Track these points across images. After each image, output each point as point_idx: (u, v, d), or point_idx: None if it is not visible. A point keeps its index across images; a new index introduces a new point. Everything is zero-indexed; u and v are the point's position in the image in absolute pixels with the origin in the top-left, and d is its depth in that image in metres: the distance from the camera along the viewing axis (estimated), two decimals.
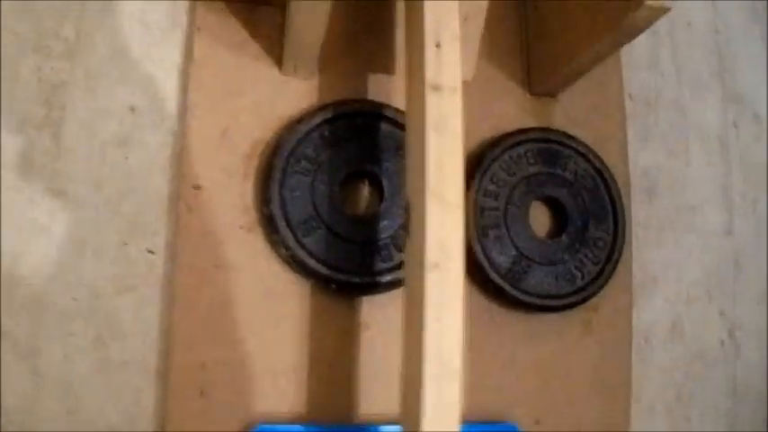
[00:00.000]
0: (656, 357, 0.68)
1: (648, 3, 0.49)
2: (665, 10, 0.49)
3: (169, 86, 0.63)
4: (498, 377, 0.61)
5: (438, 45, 0.48)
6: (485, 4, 0.53)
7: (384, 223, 0.58)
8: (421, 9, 0.48)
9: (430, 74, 0.47)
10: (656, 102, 0.72)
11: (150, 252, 0.60)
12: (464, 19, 0.50)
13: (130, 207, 0.61)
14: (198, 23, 0.62)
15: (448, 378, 0.44)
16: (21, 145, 0.61)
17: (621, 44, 0.54)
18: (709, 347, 0.70)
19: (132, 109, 0.62)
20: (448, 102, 0.47)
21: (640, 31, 0.52)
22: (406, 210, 0.50)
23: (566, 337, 0.63)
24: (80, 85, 0.63)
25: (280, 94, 0.61)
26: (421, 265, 0.45)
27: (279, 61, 0.62)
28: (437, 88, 0.47)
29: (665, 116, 0.72)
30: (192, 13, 0.63)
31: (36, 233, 0.59)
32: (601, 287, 0.62)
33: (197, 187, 0.59)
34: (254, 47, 0.62)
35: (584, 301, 0.62)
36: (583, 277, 0.62)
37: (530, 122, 0.65)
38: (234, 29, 0.62)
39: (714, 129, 0.74)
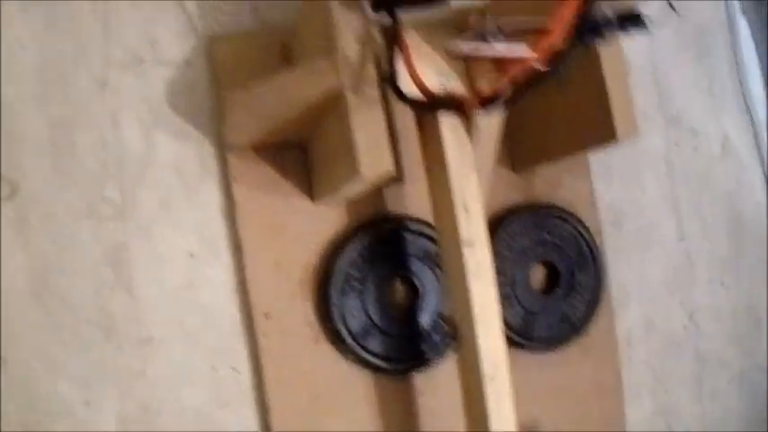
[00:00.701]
0: (637, 353, 1.00)
1: (621, 137, 0.74)
2: (633, 138, 0.75)
3: (217, 227, 0.85)
4: (524, 401, 0.91)
5: (466, 209, 0.73)
6: (491, 161, 0.78)
7: (423, 316, 0.85)
8: (447, 181, 0.73)
9: (463, 234, 0.72)
10: None
11: (235, 369, 0.85)
12: (477, 171, 0.75)
13: (210, 337, 0.84)
14: (233, 174, 0.83)
15: None
16: (101, 305, 0.83)
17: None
18: (675, 332, 1.02)
19: (191, 254, 0.85)
20: (480, 253, 0.73)
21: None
22: (454, 328, 0.77)
23: (568, 362, 0.93)
24: (137, 240, 0.84)
25: (317, 222, 0.85)
26: (479, 376, 0.73)
27: (309, 192, 0.85)
28: (471, 244, 0.72)
29: (620, 153, 1.00)
30: (223, 163, 0.84)
31: (133, 378, 0.83)
32: (590, 319, 0.92)
33: (267, 316, 0.83)
34: (286, 185, 0.84)
35: (579, 334, 0.92)
36: (577, 316, 0.91)
37: (516, 197, 0.91)
38: (265, 172, 0.84)
39: (660, 152, 1.02)
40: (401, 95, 0.65)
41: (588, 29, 0.54)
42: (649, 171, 1.02)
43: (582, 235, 0.92)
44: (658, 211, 1.02)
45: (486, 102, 0.56)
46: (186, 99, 0.86)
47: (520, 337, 0.88)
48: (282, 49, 0.86)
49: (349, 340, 0.83)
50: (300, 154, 0.85)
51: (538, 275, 0.93)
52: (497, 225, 0.88)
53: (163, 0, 0.87)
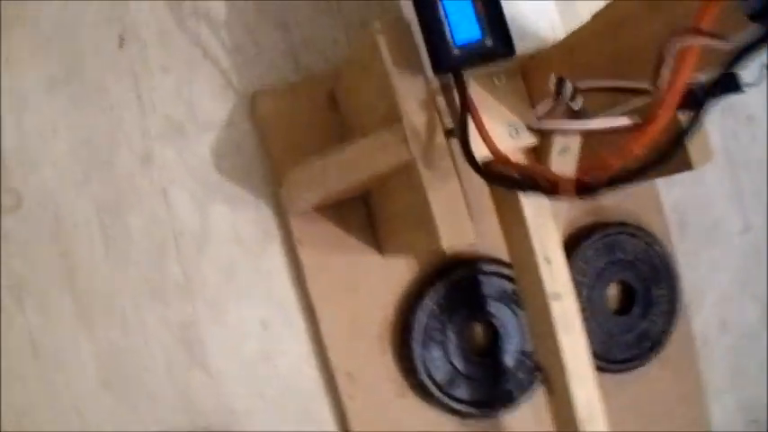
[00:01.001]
0: (713, 352, 1.02)
1: (696, 166, 0.75)
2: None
3: (285, 292, 0.87)
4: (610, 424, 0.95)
5: (548, 260, 0.74)
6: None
7: (506, 356, 0.87)
8: (525, 234, 0.74)
9: (548, 286, 0.74)
10: None
11: None
12: (555, 216, 0.76)
13: (294, 402, 0.87)
14: (296, 236, 0.84)
15: None
16: (178, 386, 0.85)
17: None
18: (750, 326, 1.05)
19: (264, 325, 0.86)
20: (568, 304, 0.74)
21: None
22: (542, 372, 0.79)
23: (648, 377, 0.95)
24: (207, 317, 0.85)
25: (388, 275, 0.86)
26: (575, 426, 0.75)
27: (375, 245, 0.86)
28: (557, 297, 0.74)
29: None
30: (285, 226, 0.85)
31: None
32: (669, 331, 0.94)
33: (350, 376, 0.85)
34: (351, 240, 0.85)
35: (658, 348, 0.94)
36: (655, 331, 0.93)
37: (585, 217, 0.92)
38: (329, 230, 0.85)
39: (719, 144, 1.03)
40: (479, 170, 0.65)
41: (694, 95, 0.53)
42: (709, 164, 1.02)
43: (653, 248, 0.93)
44: (722, 205, 1.03)
45: (585, 189, 0.55)
46: (235, 162, 0.87)
47: (600, 360, 0.90)
48: (329, 99, 0.86)
49: (435, 391, 0.85)
50: (362, 206, 0.86)
51: (612, 294, 0.95)
52: (570, 251, 0.90)
53: (193, 59, 0.87)
